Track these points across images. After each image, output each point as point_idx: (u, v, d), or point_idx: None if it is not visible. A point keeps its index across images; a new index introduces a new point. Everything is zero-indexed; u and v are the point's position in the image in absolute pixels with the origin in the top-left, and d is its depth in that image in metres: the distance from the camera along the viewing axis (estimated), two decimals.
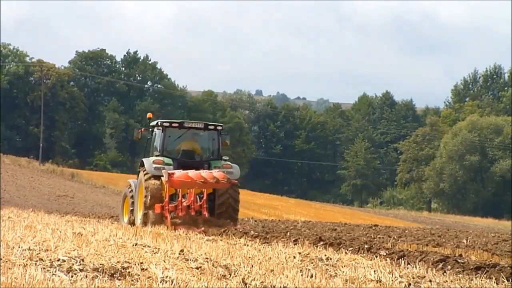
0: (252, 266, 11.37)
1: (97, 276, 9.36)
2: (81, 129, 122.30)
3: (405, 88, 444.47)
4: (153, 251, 13.10)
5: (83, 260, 10.57)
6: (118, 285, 9.04)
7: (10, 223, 19.40)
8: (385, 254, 14.46)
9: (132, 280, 9.35)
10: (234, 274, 10.44)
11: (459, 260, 12.85)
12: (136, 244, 14.20)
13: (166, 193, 23.16)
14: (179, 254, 12.56)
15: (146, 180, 23.97)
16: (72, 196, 63.19)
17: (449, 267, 12.39)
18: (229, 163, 24.86)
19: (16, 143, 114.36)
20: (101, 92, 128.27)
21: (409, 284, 10.51)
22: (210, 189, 23.52)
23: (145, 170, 24.19)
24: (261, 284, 9.73)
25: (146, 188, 23.87)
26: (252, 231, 20.79)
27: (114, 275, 9.61)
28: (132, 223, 24.57)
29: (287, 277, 10.31)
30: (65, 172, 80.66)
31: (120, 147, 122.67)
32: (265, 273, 10.63)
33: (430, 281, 10.87)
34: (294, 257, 13.26)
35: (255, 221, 41.01)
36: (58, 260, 10.40)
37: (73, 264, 10.08)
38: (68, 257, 10.80)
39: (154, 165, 23.99)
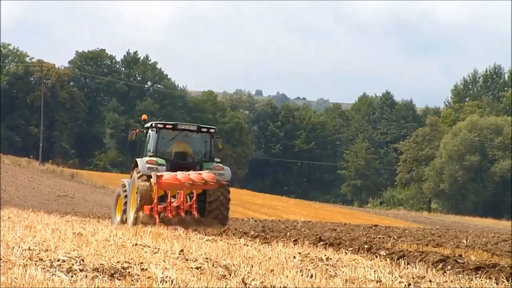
0: (252, 266, 11.37)
1: (97, 276, 9.37)
2: (81, 129, 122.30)
3: (405, 88, 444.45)
4: (153, 251, 13.10)
5: (83, 260, 10.57)
6: (118, 285, 9.04)
7: (10, 223, 19.39)
8: (385, 254, 14.46)
9: (132, 280, 9.35)
10: (234, 274, 10.44)
11: (459, 260, 12.85)
12: (136, 244, 14.20)
13: (155, 195, 23.60)
14: (179, 254, 12.56)
15: (139, 180, 24.39)
16: (72, 196, 63.19)
17: (449, 267, 12.39)
18: (221, 165, 25.43)
19: (16, 143, 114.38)
20: (101, 92, 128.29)
21: (409, 284, 10.51)
22: (200, 190, 23.90)
23: (139, 170, 24.59)
24: (261, 284, 9.73)
25: (136, 189, 24.30)
26: (252, 231, 20.80)
27: (114, 275, 9.61)
28: (124, 222, 24.89)
29: (287, 277, 10.31)
30: (65, 172, 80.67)
31: (120, 147, 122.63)
32: (265, 273, 10.64)
33: (430, 281, 10.88)
34: (294, 257, 13.27)
35: (255, 221, 40.97)
36: (58, 260, 10.40)
37: (73, 264, 10.07)
38: (68, 257, 10.80)
39: (147, 165, 24.45)
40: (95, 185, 73.96)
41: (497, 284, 10.93)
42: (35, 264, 9.97)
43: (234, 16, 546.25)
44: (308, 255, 13.66)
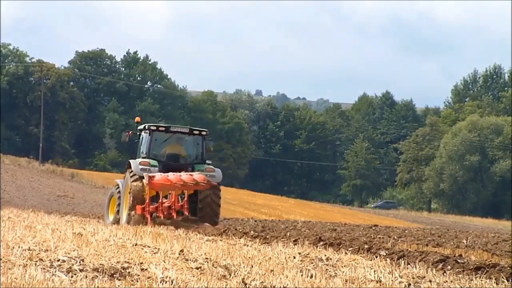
0: (252, 266, 11.37)
1: (97, 276, 9.37)
2: (81, 129, 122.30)
3: (405, 88, 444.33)
4: (153, 251, 13.10)
5: (83, 260, 10.57)
6: (118, 285, 9.04)
7: (10, 223, 19.39)
8: (385, 254, 14.46)
9: (132, 280, 9.35)
10: (234, 274, 10.44)
11: (459, 260, 12.85)
12: (136, 244, 14.20)
13: (147, 195, 24.11)
14: (179, 254, 12.56)
15: (131, 180, 24.91)
16: (72, 196, 63.18)
17: (449, 267, 12.39)
18: (212, 167, 25.83)
19: (16, 143, 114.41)
20: (101, 92, 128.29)
21: (409, 284, 10.51)
22: (191, 190, 24.41)
23: (132, 171, 25.14)
24: (261, 284, 9.73)
25: (129, 190, 24.84)
26: (252, 231, 20.80)
27: (114, 275, 9.61)
28: (116, 222, 25.35)
29: (287, 277, 10.31)
30: (65, 172, 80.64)
31: (120, 147, 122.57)
32: (265, 273, 10.64)
33: (430, 281, 10.88)
34: (294, 257, 13.26)
35: (255, 221, 40.97)
36: (58, 260, 10.40)
37: (73, 264, 10.07)
38: (68, 257, 10.80)
39: (141, 167, 25.00)
40: (95, 185, 73.93)
41: (497, 284, 10.93)
42: (35, 264, 9.97)
43: (234, 16, 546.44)
44: (308, 255, 13.66)
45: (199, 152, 26.39)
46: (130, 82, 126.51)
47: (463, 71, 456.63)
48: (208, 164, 25.92)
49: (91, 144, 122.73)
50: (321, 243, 16.81)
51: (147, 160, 25.26)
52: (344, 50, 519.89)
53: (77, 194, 65.37)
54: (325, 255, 13.75)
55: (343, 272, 11.35)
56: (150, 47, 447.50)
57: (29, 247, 11.89)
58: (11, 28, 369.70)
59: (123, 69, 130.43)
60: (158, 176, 24.03)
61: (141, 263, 10.85)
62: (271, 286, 9.67)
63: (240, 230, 21.07)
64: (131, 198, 24.52)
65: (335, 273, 11.30)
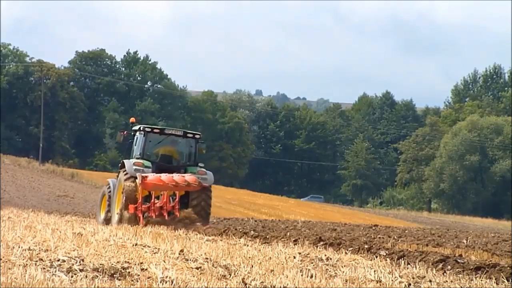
0: (252, 266, 11.37)
1: (97, 276, 9.37)
2: (81, 129, 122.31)
3: (405, 88, 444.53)
4: (153, 251, 13.10)
5: (83, 260, 10.57)
6: (118, 285, 9.04)
7: (10, 223, 19.40)
8: (385, 254, 14.46)
9: (132, 280, 9.35)
10: (234, 274, 10.44)
11: (459, 260, 12.86)
12: (136, 244, 14.21)
13: (140, 195, 24.50)
14: (179, 254, 12.56)
15: (125, 180, 25.32)
16: (72, 196, 63.16)
17: (449, 267, 12.40)
18: (204, 170, 26.23)
19: (16, 143, 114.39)
20: (101, 92, 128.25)
21: (409, 284, 10.51)
22: (182, 191, 24.91)
23: (125, 171, 25.55)
24: (261, 284, 9.73)
25: (122, 190, 25.23)
26: (252, 231, 20.81)
27: (114, 275, 9.61)
28: (108, 220, 25.92)
29: (287, 277, 10.31)
30: (65, 172, 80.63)
31: (120, 147, 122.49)
32: (265, 273, 10.64)
33: (430, 281, 10.88)
34: (294, 257, 13.27)
35: (255, 221, 40.97)
36: (58, 260, 10.40)
37: (73, 264, 10.07)
38: (68, 257, 10.80)
39: (134, 167, 25.41)
40: (95, 185, 73.88)
41: (497, 284, 10.93)
42: (35, 264, 9.97)
43: (234, 16, 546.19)
44: (308, 255, 13.67)
45: (192, 155, 26.78)
46: (130, 82, 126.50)
47: (463, 71, 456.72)
48: (201, 167, 26.32)
49: (91, 144, 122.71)
50: (321, 243, 16.81)
51: (141, 161, 25.67)
52: (344, 50, 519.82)
53: (77, 194, 65.36)
54: (325, 255, 13.76)
55: (343, 272, 11.35)
56: (150, 47, 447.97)
57: (29, 247, 11.89)
58: (11, 28, 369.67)
59: (123, 69, 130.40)
60: (151, 176, 24.48)
61: (141, 263, 10.85)
62: (271, 286, 9.67)
63: (240, 230, 21.10)
64: (124, 198, 24.88)
65: (335, 273, 11.31)
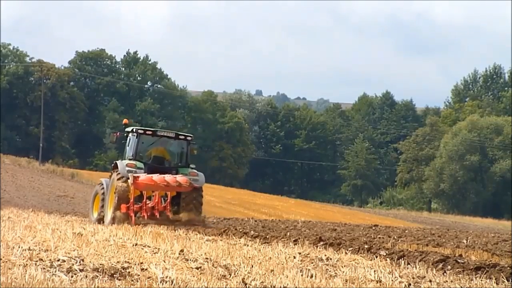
0: (252, 266, 11.37)
1: (97, 276, 9.36)
2: (81, 129, 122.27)
3: (405, 88, 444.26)
4: (153, 251, 13.10)
5: (83, 260, 10.57)
6: (118, 285, 9.04)
7: (10, 223, 19.40)
8: (385, 254, 14.46)
9: (132, 280, 9.35)
10: (234, 274, 10.44)
11: (459, 260, 12.85)
12: (136, 244, 14.21)
13: (132, 195, 24.90)
14: (179, 254, 12.56)
15: (117, 180, 25.82)
16: (72, 196, 63.10)
17: (449, 267, 12.39)
18: (195, 171, 26.67)
19: (16, 143, 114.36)
20: (101, 92, 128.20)
21: (409, 284, 10.51)
22: (174, 192, 25.35)
23: (118, 171, 25.98)
24: (261, 284, 9.73)
25: (115, 190, 25.74)
26: (252, 231, 20.81)
27: (114, 275, 9.61)
28: (101, 219, 26.51)
29: (287, 277, 10.31)
30: (65, 172, 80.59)
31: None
32: (265, 273, 10.63)
33: (430, 281, 10.88)
34: (294, 257, 13.26)
35: (255, 221, 40.94)
36: (58, 260, 10.40)
37: (73, 264, 10.07)
38: (68, 257, 10.80)
39: (127, 168, 25.90)
40: (95, 185, 73.83)
41: (497, 284, 10.93)
42: (35, 264, 9.97)
43: (234, 16, 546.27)
44: (308, 255, 13.66)
45: (184, 156, 27.16)
46: (130, 82, 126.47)
47: (463, 71, 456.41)
48: (192, 168, 26.68)
49: (91, 144, 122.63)
50: (321, 243, 16.81)
51: (134, 162, 26.10)
52: (344, 50, 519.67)
53: (77, 194, 65.30)
54: (325, 255, 13.75)
55: (343, 272, 11.35)
56: (150, 47, 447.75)
57: (29, 247, 11.89)
58: (11, 28, 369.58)
59: (123, 69, 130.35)
60: (143, 177, 24.85)
61: (141, 263, 10.85)
62: (271, 286, 9.67)
63: (240, 230, 21.10)
64: (117, 198, 25.30)
65: (335, 273, 11.30)
